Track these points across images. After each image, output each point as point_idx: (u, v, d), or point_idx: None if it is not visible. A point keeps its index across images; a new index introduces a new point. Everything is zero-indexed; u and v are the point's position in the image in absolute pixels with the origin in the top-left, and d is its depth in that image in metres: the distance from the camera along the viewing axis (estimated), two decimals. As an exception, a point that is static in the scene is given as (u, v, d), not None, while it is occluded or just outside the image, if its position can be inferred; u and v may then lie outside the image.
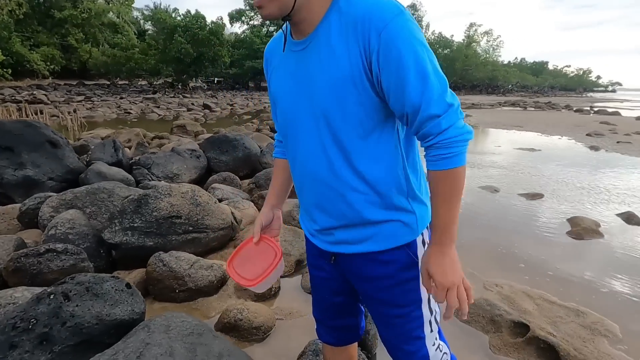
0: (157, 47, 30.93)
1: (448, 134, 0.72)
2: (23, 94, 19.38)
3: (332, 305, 1.05)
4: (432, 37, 59.73)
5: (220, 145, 4.78)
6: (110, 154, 4.09)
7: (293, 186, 1.03)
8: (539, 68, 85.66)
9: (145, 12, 44.33)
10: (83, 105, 16.16)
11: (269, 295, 2.23)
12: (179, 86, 33.22)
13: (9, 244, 2.20)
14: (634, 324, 2.06)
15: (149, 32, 38.91)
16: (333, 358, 1.15)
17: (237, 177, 4.30)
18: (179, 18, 32.51)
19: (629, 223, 3.65)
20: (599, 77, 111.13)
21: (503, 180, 5.22)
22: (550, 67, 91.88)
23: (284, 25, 0.84)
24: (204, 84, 41.47)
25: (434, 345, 0.95)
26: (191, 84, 35.97)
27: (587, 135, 10.22)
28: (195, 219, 2.55)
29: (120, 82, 36.70)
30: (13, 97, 17.17)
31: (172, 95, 26.40)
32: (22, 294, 1.71)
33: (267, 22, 42.96)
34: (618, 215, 3.85)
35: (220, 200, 3.25)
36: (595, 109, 21.28)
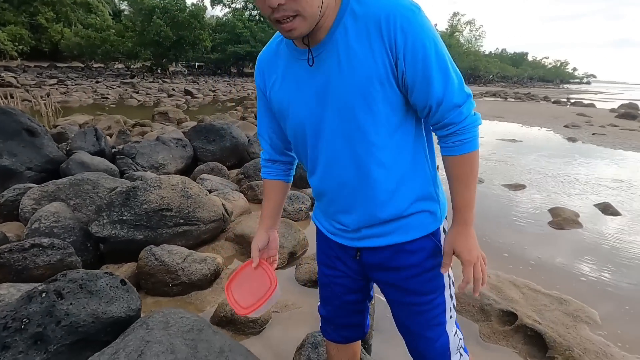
0: (135, 29, 29.63)
1: (468, 120, 0.79)
2: (-11, 75, 18.30)
3: (344, 304, 1.05)
4: (416, 25, 59.66)
5: (207, 134, 4.68)
6: (92, 143, 3.94)
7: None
8: (519, 59, 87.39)
9: (120, -9, 42.34)
10: (56, 89, 15.38)
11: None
12: (158, 70, 32.08)
13: (-10, 238, 2.10)
14: (611, 310, 2.18)
15: (125, 12, 37.22)
16: (337, 355, 1.16)
17: (225, 167, 4.24)
18: (157, -1, 31.21)
19: (605, 213, 3.83)
20: (575, 69, 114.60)
21: (487, 171, 5.35)
22: (530, 58, 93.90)
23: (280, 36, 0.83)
24: (185, 69, 40.25)
25: (452, 331, 0.98)
26: (171, 69, 34.79)
27: (564, 126, 10.56)
28: (186, 211, 2.51)
29: (95, 65, 35.15)
30: (-22, 80, 16.18)
31: (152, 80, 25.52)
32: (8, 290, 1.64)
33: (250, 6, 41.87)
34: (595, 205, 4.02)
35: (209, 192, 3.20)
36: (572, 101, 21.98)
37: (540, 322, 1.92)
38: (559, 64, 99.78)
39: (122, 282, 1.57)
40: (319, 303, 1.16)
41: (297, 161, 1.07)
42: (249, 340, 1.81)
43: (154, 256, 2.11)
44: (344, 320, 1.08)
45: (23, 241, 1.94)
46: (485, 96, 26.64)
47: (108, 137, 5.06)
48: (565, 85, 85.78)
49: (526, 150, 7.16)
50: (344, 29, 0.74)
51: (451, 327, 0.98)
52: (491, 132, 9.46)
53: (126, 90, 17.44)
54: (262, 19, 38.21)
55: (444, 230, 0.94)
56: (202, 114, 9.84)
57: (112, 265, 2.29)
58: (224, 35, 36.42)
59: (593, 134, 9.34)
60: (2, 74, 19.20)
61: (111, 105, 12.70)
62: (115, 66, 35.91)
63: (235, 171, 4.29)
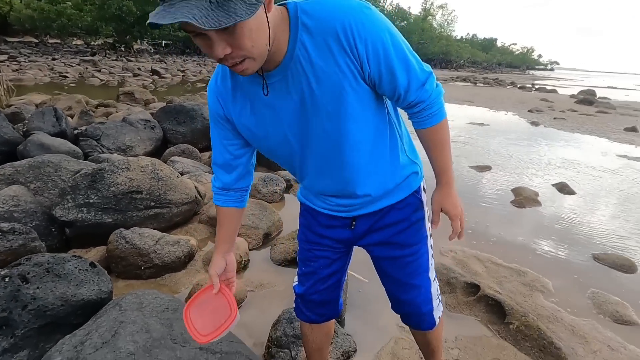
0: (94, 2, 27.64)
1: (433, 95, 0.86)
2: None
3: (324, 278, 1.09)
4: (390, 8, 59.41)
5: (177, 115, 4.53)
6: (52, 124, 3.72)
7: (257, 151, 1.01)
8: (488, 45, 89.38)
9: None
10: (8, 66, 14.20)
11: (238, 269, 2.24)
12: (122, 48, 30.28)
13: (-58, 224, 1.97)
14: (563, 280, 2.37)
15: (83, -16, 34.43)
16: (312, 335, 1.21)
17: (197, 150, 4.14)
18: (118, -30, 29.07)
19: (562, 192, 4.09)
20: (540, 56, 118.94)
21: (456, 154, 5.53)
22: (499, 44, 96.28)
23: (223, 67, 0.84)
24: (151, 47, 38.21)
25: (433, 277, 1.11)
26: (136, 47, 32.93)
27: (529, 111, 11.04)
28: (157, 194, 2.45)
29: (51, 41, 32.57)
30: None
31: (114, 58, 24.10)
32: (-33, 278, 1.57)
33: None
34: (553, 185, 4.29)
35: (181, 174, 3.13)
36: (536, 87, 22.91)
37: (500, 292, 2.07)
38: (525, 50, 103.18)
39: (92, 264, 1.54)
40: (295, 282, 1.19)
41: (250, 186, 1.05)
42: (224, 319, 1.83)
43: (125, 239, 2.06)
44: (320, 296, 1.12)
45: (-20, 226, 1.84)
46: (456, 81, 27.24)
47: (69, 118, 4.78)
48: (531, 72, 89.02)
49: (493, 133, 7.45)
50: (302, 46, 0.74)
51: (432, 274, 1.11)
52: (462, 115, 9.74)
53: (87, 68, 16.41)
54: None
55: (423, 188, 1.07)
56: (171, 95, 9.45)
57: (79, 250, 2.22)
58: (192, 12, 34.64)
59: (554, 118, 9.84)
60: (-57, 48, 17.47)
61: (71, 85, 11.93)
62: (74, 42, 33.47)
63: (207, 154, 4.20)
